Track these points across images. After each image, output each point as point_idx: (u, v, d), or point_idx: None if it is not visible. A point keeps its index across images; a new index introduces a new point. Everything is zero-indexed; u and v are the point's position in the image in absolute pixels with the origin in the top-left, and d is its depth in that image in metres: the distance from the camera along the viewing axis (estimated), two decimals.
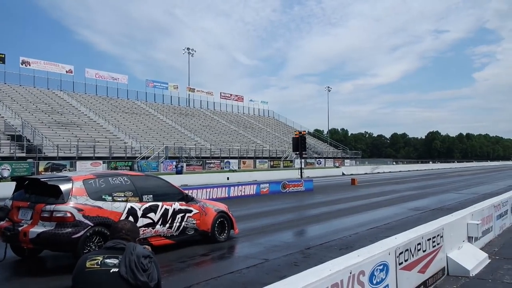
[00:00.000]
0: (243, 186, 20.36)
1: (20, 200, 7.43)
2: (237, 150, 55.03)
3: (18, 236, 6.90)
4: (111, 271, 2.51)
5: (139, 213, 7.81)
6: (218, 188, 18.91)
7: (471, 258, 6.81)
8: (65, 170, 33.06)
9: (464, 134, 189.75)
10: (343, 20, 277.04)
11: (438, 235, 6.09)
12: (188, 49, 74.55)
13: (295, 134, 28.74)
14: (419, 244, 5.47)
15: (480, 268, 6.73)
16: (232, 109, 78.71)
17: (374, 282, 4.29)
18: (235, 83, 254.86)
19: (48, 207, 6.94)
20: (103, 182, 7.67)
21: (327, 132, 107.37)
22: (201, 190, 18.16)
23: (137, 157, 42.05)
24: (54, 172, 30.96)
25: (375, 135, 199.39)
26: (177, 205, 8.68)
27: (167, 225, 8.34)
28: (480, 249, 7.72)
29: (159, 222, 8.18)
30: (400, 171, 53.54)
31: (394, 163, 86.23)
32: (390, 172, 51.75)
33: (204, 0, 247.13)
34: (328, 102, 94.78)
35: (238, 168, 48.80)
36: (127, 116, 55.58)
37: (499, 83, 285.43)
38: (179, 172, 36.00)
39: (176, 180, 25.62)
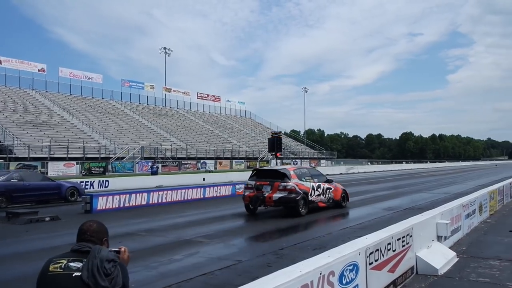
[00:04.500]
0: (219, 187, 20.25)
1: (260, 180, 13.65)
2: (214, 150, 54.83)
3: (265, 199, 13.21)
4: (73, 275, 2.43)
5: (315, 188, 14.05)
6: (193, 189, 18.76)
7: (440, 257, 6.94)
8: (37, 171, 32.29)
9: (437, 135, 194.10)
10: (320, 22, 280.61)
11: (407, 235, 6.18)
12: (164, 48, 73.83)
13: (271, 135, 28.77)
14: (389, 244, 5.54)
15: (448, 266, 6.87)
16: (209, 109, 78.40)
17: (344, 282, 4.31)
18: (212, 83, 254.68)
19: (283, 183, 13.18)
20: (299, 171, 14.41)
21: (304, 132, 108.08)
22: (175, 191, 18.01)
23: (112, 157, 41.43)
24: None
25: (350, 135, 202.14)
26: (326, 185, 14.80)
27: (323, 196, 14.47)
28: (449, 248, 7.88)
29: (321, 194, 14.37)
30: (374, 171, 54.30)
31: (369, 163, 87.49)
32: (364, 172, 52.40)
33: (182, 0, 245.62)
34: (304, 103, 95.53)
35: (215, 168, 48.62)
36: (101, 116, 54.69)
37: (471, 85, 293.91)
38: (154, 173, 35.58)
39: (152, 181, 25.38)
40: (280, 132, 34.37)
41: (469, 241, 9.06)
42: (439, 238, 7.63)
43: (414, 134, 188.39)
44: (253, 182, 13.70)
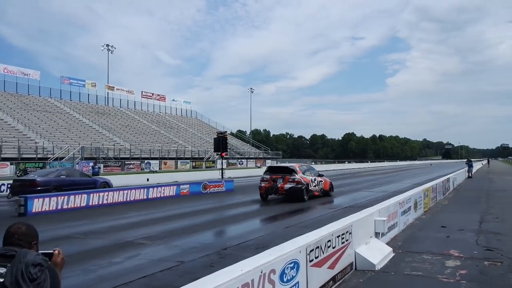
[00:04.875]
0: (163, 187, 19.87)
1: (274, 174, 17.31)
2: (158, 150, 53.83)
3: (278, 189, 16.90)
4: None
5: (313, 180, 17.75)
6: (136, 190, 18.29)
7: (377, 253, 7.20)
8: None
9: (377, 136, 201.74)
10: (266, 23, 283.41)
11: (347, 232, 6.36)
12: (107, 45, 71.52)
13: (217, 135, 28.67)
14: (329, 241, 5.66)
15: (385, 262, 7.14)
16: (154, 108, 76.83)
17: (285, 280, 4.36)
18: (157, 82, 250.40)
19: (292, 176, 16.79)
20: (302, 167, 18.19)
21: (250, 133, 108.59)
22: (117, 192, 17.48)
23: (50, 158, 39.56)
24: None
25: (295, 136, 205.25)
26: (319, 178, 18.57)
27: (318, 187, 18.20)
28: (386, 243, 8.20)
29: (317, 185, 18.10)
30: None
31: (312, 163, 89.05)
32: None
33: None
34: (250, 104, 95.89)
35: (159, 169, 47.77)
36: (38, 114, 52.04)
37: (408, 88, 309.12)
38: (95, 173, 34.23)
39: None
40: (226, 132, 34.27)
41: (405, 237, 9.46)
42: (376, 234, 7.91)
43: (356, 135, 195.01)
44: (268, 176, 17.40)
